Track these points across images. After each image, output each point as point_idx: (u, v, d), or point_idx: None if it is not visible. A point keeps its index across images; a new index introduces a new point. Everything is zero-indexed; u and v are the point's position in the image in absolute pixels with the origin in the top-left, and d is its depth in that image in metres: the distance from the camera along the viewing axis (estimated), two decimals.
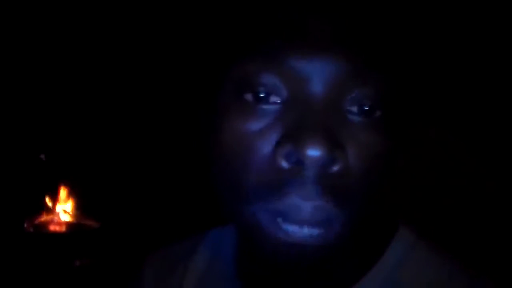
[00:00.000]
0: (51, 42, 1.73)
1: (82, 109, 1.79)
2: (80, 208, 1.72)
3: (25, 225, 1.63)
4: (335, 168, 0.37)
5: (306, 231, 0.38)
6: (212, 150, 0.42)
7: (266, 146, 0.38)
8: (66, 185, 1.74)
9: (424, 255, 0.46)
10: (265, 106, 0.38)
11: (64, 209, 1.71)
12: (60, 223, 1.69)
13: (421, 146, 1.21)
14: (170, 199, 1.70)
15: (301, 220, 0.37)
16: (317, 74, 0.37)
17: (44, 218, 1.70)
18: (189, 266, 0.54)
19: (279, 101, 0.38)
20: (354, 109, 0.38)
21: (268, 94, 0.38)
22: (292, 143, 0.37)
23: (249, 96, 0.38)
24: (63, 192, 1.73)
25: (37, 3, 1.68)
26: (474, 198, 1.23)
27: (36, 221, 1.67)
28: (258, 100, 0.38)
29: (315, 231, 0.38)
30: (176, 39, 1.41)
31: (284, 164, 0.37)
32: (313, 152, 0.36)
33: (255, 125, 0.38)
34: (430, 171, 1.26)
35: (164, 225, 1.54)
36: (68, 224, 1.70)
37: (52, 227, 1.68)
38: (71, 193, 1.73)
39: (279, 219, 0.38)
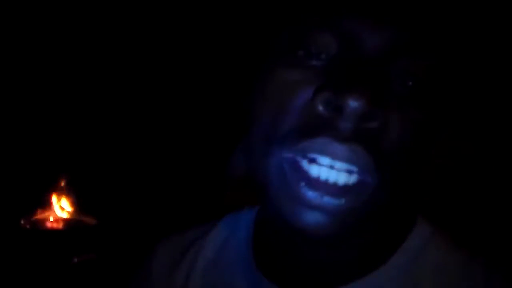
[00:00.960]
0: (51, 38, 1.72)
1: (79, 105, 1.78)
2: (78, 205, 1.72)
3: (22, 222, 1.62)
4: (373, 124, 0.37)
5: (326, 200, 0.38)
6: (255, 100, 0.42)
7: (307, 93, 0.39)
8: (63, 181, 1.73)
9: (441, 248, 0.46)
10: (314, 62, 0.39)
11: (61, 205, 1.71)
12: (57, 220, 1.68)
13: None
14: (167, 196, 1.69)
15: (334, 158, 0.37)
16: (369, 36, 0.38)
17: (41, 215, 1.69)
18: (200, 250, 0.54)
19: (329, 58, 0.39)
20: (398, 81, 0.38)
21: (319, 51, 0.39)
22: (333, 90, 0.37)
23: (301, 52, 0.40)
24: (60, 189, 1.72)
25: (36, 3, 1.67)
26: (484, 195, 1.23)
27: (33, 218, 1.67)
28: (310, 56, 0.39)
29: (335, 201, 0.38)
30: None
31: (322, 109, 0.37)
32: (355, 101, 0.35)
33: (301, 75, 0.39)
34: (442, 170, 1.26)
35: (162, 222, 1.53)
36: (65, 220, 1.69)
37: (49, 224, 1.67)
38: (68, 190, 1.73)
39: (302, 184, 0.38)
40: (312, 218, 0.38)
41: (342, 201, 0.38)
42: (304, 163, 0.39)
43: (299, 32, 0.40)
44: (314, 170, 0.38)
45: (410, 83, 0.39)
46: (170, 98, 1.69)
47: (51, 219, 1.69)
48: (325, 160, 0.38)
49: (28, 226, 1.63)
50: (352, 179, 0.38)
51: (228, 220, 0.57)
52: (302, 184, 0.38)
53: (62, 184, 1.72)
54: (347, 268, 0.45)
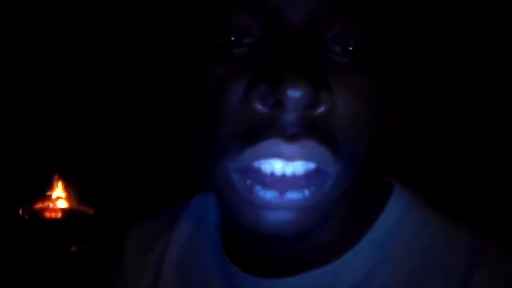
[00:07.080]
0: (37, 38, 1.71)
1: (77, 97, 1.78)
2: (76, 195, 1.72)
3: (21, 212, 1.62)
4: (320, 110, 0.33)
5: (287, 196, 0.33)
6: (183, 105, 0.37)
7: (239, 90, 0.33)
8: (62, 171, 1.73)
9: (422, 217, 0.43)
10: (237, 50, 0.34)
11: (59, 195, 1.71)
12: (55, 210, 1.69)
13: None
14: (165, 185, 1.69)
15: (287, 160, 0.33)
16: (294, 7, 0.33)
17: (39, 205, 1.69)
18: (171, 236, 0.51)
19: (253, 42, 0.34)
20: (338, 49, 0.34)
21: (239, 36, 0.34)
22: (268, 82, 0.32)
23: (220, 41, 0.34)
24: (58, 179, 1.72)
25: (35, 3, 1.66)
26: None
27: (32, 208, 1.67)
28: (229, 43, 0.34)
29: (298, 195, 0.34)
30: None
31: (260, 107, 0.32)
32: (294, 91, 0.31)
33: (226, 69, 0.34)
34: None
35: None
36: (63, 210, 1.70)
37: (48, 214, 1.67)
38: (67, 180, 1.73)
39: (257, 187, 0.33)
40: (276, 218, 0.34)
41: (306, 193, 0.34)
42: (255, 164, 0.34)
43: (214, 17, 0.34)
44: (267, 168, 0.34)
45: (351, 47, 0.34)
46: (164, 92, 1.68)
47: (50, 209, 1.69)
48: (277, 162, 0.33)
49: (26, 216, 1.63)
50: (311, 166, 0.34)
51: (197, 201, 0.53)
52: (258, 187, 0.34)
53: (61, 174, 1.73)
54: (319, 252, 0.41)
